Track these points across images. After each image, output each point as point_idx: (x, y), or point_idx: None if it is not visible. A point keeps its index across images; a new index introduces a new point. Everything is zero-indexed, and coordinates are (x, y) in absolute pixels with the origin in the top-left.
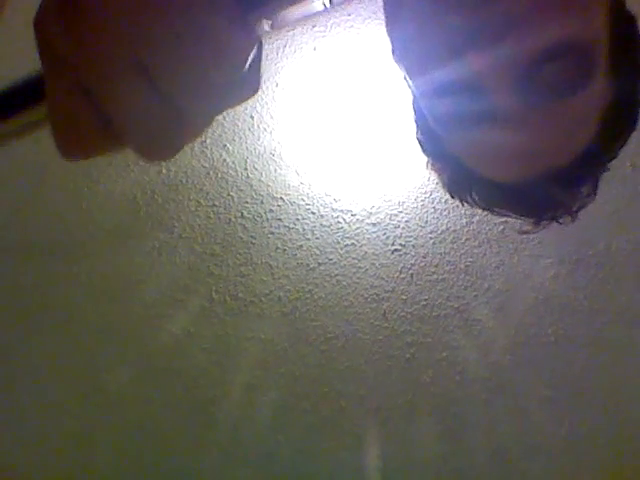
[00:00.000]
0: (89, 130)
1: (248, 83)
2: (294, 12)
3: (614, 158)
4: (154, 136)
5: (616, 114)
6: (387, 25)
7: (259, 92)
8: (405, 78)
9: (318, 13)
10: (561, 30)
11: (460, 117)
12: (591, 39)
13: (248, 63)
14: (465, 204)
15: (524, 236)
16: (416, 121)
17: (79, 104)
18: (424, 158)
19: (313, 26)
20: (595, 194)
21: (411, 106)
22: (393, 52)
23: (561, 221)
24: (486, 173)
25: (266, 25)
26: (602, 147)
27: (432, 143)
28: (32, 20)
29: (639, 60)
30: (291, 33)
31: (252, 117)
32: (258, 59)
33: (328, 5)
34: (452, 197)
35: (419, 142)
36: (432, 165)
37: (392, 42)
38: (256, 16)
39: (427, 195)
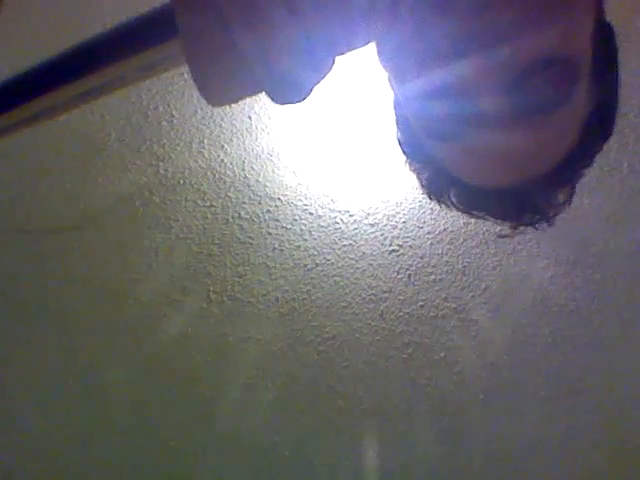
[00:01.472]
0: (228, 66)
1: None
2: None
3: (592, 164)
4: (286, 74)
5: (595, 122)
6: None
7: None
8: (389, 80)
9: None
10: (549, 42)
11: (445, 121)
12: (577, 52)
13: None
14: (442, 206)
15: (521, 237)
16: (397, 122)
17: (219, 39)
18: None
19: None
20: (571, 200)
21: (392, 107)
22: (379, 54)
23: (537, 226)
24: (466, 177)
25: None
26: (581, 153)
27: (412, 144)
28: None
29: (616, 69)
30: None
31: (250, 118)
32: None
33: None
34: (430, 199)
35: (399, 142)
36: (410, 165)
37: (378, 45)
38: None
39: (425, 196)
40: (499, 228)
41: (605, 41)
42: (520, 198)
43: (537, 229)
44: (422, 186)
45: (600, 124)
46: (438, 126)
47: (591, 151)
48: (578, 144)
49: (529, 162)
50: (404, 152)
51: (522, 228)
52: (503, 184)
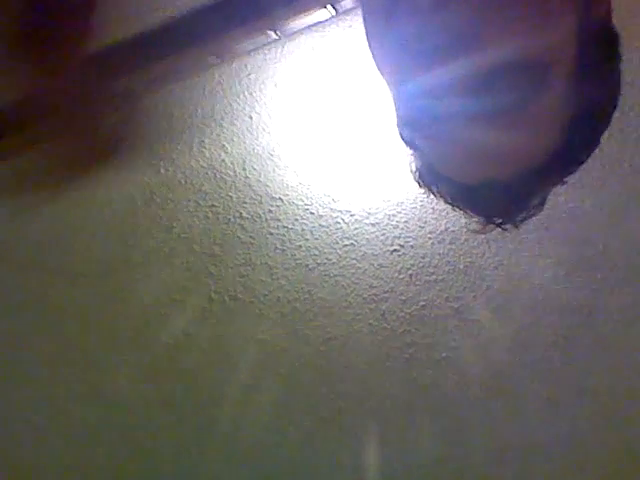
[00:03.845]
0: None
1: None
2: (299, 22)
3: (579, 164)
4: None
5: (583, 121)
6: (371, 25)
7: (258, 92)
8: (382, 74)
9: (323, 22)
10: (512, 47)
11: (422, 120)
12: (548, 53)
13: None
14: (432, 195)
15: (523, 236)
16: (396, 111)
17: None
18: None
19: (312, 26)
20: (542, 208)
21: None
22: (374, 52)
23: (505, 227)
24: (447, 172)
25: (277, 35)
26: (566, 153)
27: (404, 137)
28: None
29: (611, 68)
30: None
31: (251, 117)
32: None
33: (334, 14)
34: (419, 186)
35: (398, 130)
36: (407, 153)
37: (378, 42)
38: None
39: (426, 195)
40: (471, 222)
41: (597, 40)
42: (490, 199)
43: (503, 229)
44: (412, 174)
45: (589, 123)
46: (418, 124)
47: (579, 150)
48: (563, 143)
49: (503, 159)
50: (402, 139)
51: (491, 227)
52: (479, 180)
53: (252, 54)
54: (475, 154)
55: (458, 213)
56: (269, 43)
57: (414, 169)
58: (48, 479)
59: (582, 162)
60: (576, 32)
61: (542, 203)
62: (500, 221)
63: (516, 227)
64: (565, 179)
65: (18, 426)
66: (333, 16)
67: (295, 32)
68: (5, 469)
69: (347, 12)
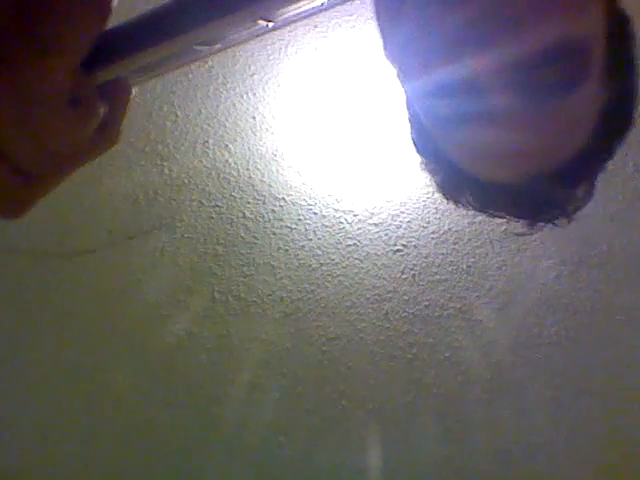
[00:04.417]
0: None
1: (100, 141)
2: (291, 11)
3: (611, 158)
4: (4, 199)
5: (612, 113)
6: (381, 22)
7: (261, 92)
8: (398, 76)
9: (316, 11)
10: (558, 31)
11: (455, 117)
12: (588, 40)
13: (92, 128)
14: (458, 206)
15: (526, 237)
16: (410, 120)
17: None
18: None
19: (315, 26)
20: (592, 195)
21: (405, 105)
22: (385, 48)
23: (557, 223)
24: (480, 173)
25: (268, 24)
26: (598, 147)
27: (426, 143)
28: None
29: (634, 59)
30: (293, 33)
31: (254, 118)
32: (114, 115)
33: (325, 2)
34: (445, 199)
35: (413, 141)
36: (425, 165)
37: (385, 39)
38: (98, 77)
39: (429, 195)
40: (515, 226)
41: (618, 25)
42: (537, 194)
43: (556, 226)
44: (437, 187)
45: (617, 117)
46: (448, 124)
47: (608, 145)
48: (595, 135)
49: (541, 155)
50: (418, 151)
51: (540, 225)
52: (517, 178)
53: (255, 54)
54: (513, 149)
55: (484, 215)
56: (262, 33)
57: (437, 181)
58: (49, 479)
59: (621, 142)
60: (605, 15)
61: (591, 190)
62: (549, 216)
63: (568, 220)
64: (608, 162)
65: (20, 426)
66: (325, 5)
67: (288, 21)
68: (6, 469)
69: (350, 11)
